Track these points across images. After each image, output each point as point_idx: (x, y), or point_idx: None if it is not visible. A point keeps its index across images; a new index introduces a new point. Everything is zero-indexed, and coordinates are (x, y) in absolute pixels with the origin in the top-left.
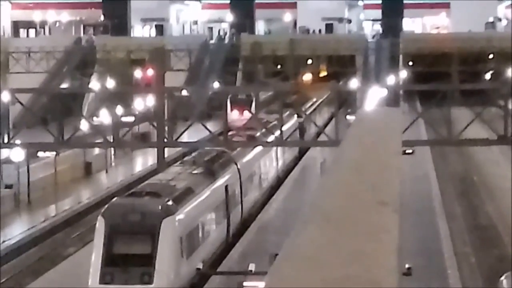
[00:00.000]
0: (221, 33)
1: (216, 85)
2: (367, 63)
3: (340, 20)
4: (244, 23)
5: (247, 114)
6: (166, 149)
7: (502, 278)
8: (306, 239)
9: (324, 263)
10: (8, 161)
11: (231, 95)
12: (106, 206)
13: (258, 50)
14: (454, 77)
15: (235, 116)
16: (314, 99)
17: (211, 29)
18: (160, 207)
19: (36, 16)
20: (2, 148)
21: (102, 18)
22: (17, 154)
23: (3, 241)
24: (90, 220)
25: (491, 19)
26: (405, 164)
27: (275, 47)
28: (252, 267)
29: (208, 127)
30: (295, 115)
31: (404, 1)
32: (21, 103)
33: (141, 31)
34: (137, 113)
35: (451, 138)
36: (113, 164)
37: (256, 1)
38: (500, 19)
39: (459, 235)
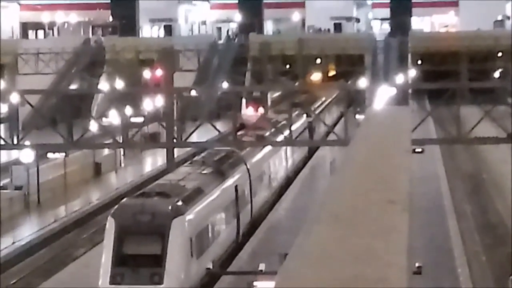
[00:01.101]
0: (230, 33)
1: (225, 85)
2: (376, 62)
3: (349, 19)
4: (253, 23)
5: (261, 111)
6: (175, 149)
7: None
8: (315, 238)
9: (334, 262)
10: (17, 162)
11: (246, 93)
12: (116, 206)
13: (266, 50)
14: (463, 76)
15: (250, 112)
16: (323, 99)
17: (219, 29)
18: (170, 208)
19: (45, 17)
20: (12, 149)
21: (110, 19)
22: (27, 155)
23: (13, 242)
24: (100, 221)
25: (500, 17)
26: (414, 162)
27: (283, 47)
28: (262, 266)
29: (217, 127)
30: (304, 115)
31: (413, 0)
32: (30, 104)
33: (149, 31)
34: (146, 113)
35: (460, 136)
36: (122, 164)
37: (264, 1)
38: (509, 17)
39: (469, 234)
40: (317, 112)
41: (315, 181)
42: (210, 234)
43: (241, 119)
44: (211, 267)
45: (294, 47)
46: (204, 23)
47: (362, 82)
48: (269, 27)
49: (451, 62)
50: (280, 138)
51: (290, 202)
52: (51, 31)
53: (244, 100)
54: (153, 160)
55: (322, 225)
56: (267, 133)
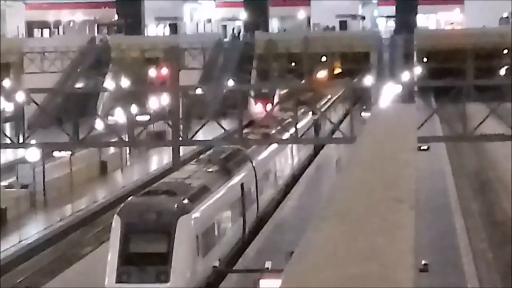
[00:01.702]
0: (235, 31)
1: (230, 83)
2: (382, 60)
3: (354, 17)
4: (258, 21)
5: (270, 107)
6: (181, 147)
7: None
8: (322, 236)
9: (340, 261)
10: (23, 161)
11: (255, 90)
12: (122, 205)
13: (272, 48)
14: (469, 73)
15: (258, 109)
16: (329, 96)
17: (225, 27)
18: (176, 206)
19: (50, 16)
20: (18, 148)
21: (116, 17)
22: (33, 154)
23: (20, 241)
24: (106, 219)
25: (505, 15)
26: (420, 160)
27: (289, 45)
28: (268, 264)
29: (224, 125)
30: (310, 113)
31: None
32: (36, 103)
33: (155, 30)
34: (152, 112)
35: (466, 134)
36: (128, 163)
37: None
38: None
39: (475, 231)
40: (323, 110)
41: (321, 179)
42: (216, 232)
43: (250, 116)
44: (217, 265)
45: (299, 45)
46: (209, 21)
47: (368, 80)
48: (274, 25)
49: (457, 60)
50: (285, 136)
51: (296, 200)
52: (56, 30)
53: (252, 98)
54: (159, 159)
55: (328, 223)
56: (273, 131)
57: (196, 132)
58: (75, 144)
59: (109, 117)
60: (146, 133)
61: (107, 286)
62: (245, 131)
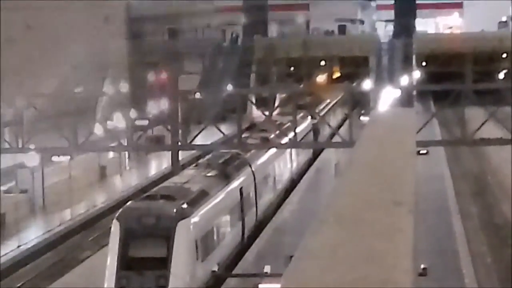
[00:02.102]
0: (234, 35)
1: (229, 87)
2: (381, 64)
3: (353, 21)
4: (257, 25)
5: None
6: (180, 152)
7: None
8: (321, 240)
9: (340, 264)
10: (22, 165)
11: (256, 94)
12: (121, 209)
13: (271, 52)
14: (468, 77)
15: (258, 113)
16: (328, 101)
17: (224, 31)
18: (175, 210)
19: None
20: (17, 153)
21: None
22: (32, 158)
23: (19, 246)
24: (105, 224)
25: (504, 19)
26: (419, 164)
27: (288, 49)
28: (267, 269)
29: (224, 129)
30: (309, 117)
31: (417, 2)
32: (35, 108)
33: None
34: (151, 116)
35: (465, 138)
36: (127, 167)
37: (268, 3)
38: None
39: (474, 235)
40: (321, 114)
41: (320, 183)
42: (215, 237)
43: (252, 120)
44: (216, 269)
45: (298, 50)
46: (208, 26)
47: (367, 84)
48: (273, 29)
49: (456, 64)
50: (284, 140)
51: (295, 204)
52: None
53: (253, 103)
54: (158, 163)
55: (328, 227)
56: (272, 136)
57: (195, 136)
58: (74, 149)
59: (108, 122)
60: (145, 138)
61: None
62: (244, 135)
